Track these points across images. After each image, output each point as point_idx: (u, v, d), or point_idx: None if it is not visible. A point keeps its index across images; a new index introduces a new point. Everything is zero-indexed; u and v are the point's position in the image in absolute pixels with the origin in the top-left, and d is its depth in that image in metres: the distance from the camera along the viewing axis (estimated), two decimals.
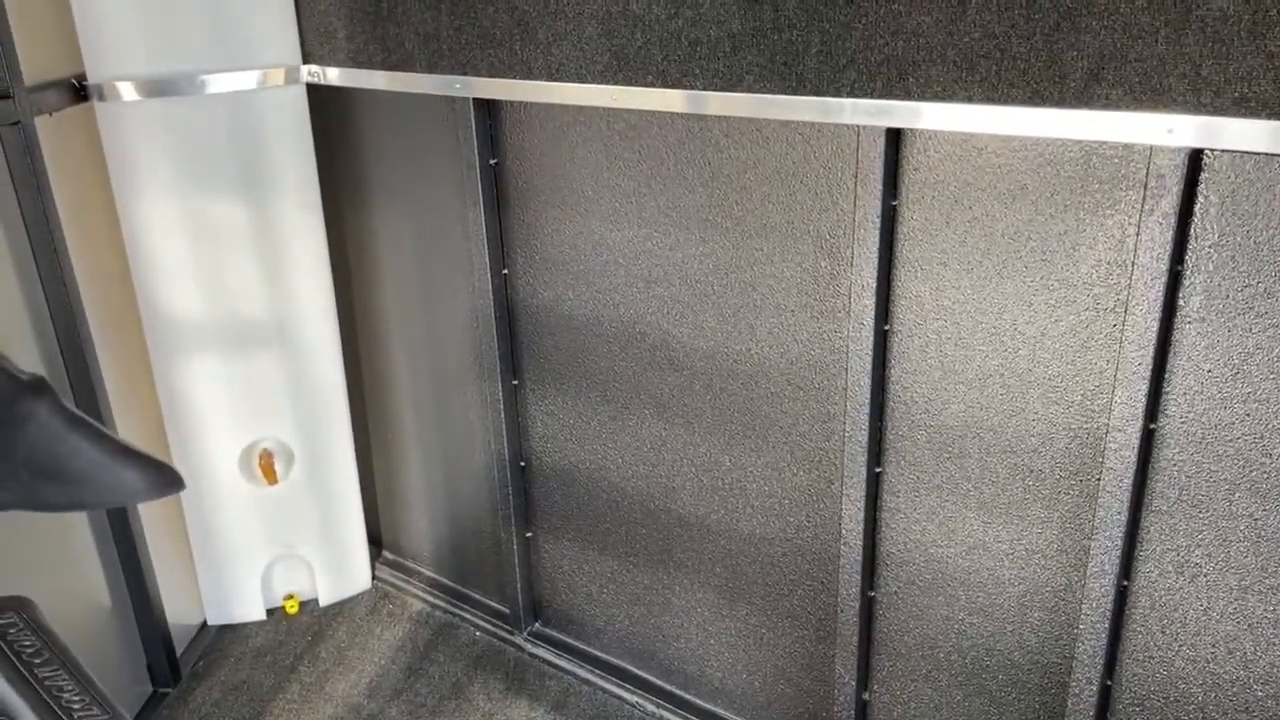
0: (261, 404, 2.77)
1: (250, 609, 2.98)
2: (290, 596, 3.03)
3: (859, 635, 2.14)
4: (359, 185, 2.71)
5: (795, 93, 1.81)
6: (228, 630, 2.96)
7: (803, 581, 2.23)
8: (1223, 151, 1.49)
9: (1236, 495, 1.64)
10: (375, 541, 3.19)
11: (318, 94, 2.60)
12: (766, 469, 2.19)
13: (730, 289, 2.10)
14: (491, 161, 2.39)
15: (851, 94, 1.75)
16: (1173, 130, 1.48)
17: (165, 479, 0.81)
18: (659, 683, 2.61)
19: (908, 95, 1.69)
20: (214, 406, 2.73)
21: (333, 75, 2.54)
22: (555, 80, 2.12)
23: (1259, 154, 1.46)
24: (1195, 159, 1.51)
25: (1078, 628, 1.84)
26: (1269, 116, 1.40)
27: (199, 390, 2.70)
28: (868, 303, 1.88)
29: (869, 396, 1.94)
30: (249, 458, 2.82)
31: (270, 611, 3.01)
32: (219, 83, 2.46)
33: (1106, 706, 1.88)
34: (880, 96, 1.72)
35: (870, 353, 1.91)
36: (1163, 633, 1.78)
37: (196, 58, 2.43)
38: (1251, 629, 1.68)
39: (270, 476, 2.83)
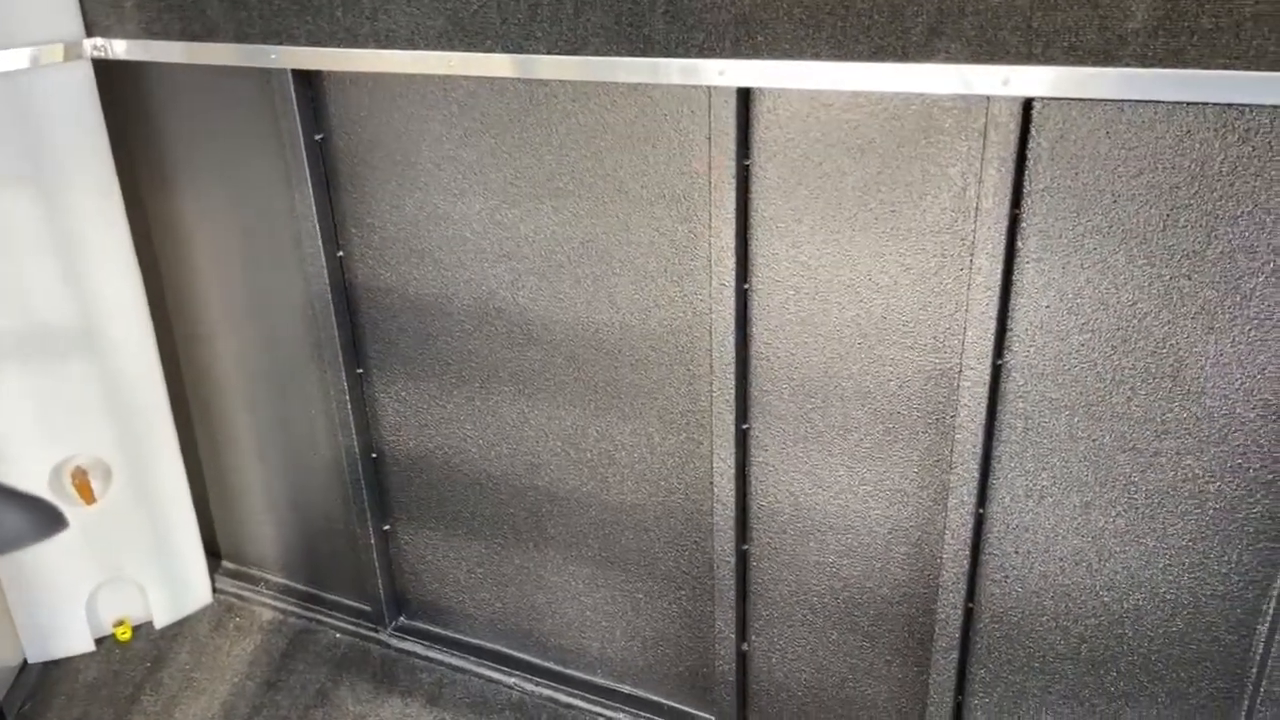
0: (69, 417, 2.52)
1: (76, 641, 2.72)
2: (121, 622, 2.79)
3: (736, 589, 2.18)
4: (165, 170, 2.48)
5: (643, 54, 1.78)
6: (53, 667, 2.69)
7: (677, 543, 2.25)
8: (1051, 99, 1.59)
9: (1076, 419, 1.77)
10: (213, 552, 2.98)
11: (108, 71, 2.35)
12: (635, 436, 2.18)
13: (587, 258, 2.07)
14: (317, 137, 2.24)
15: (701, 54, 1.74)
16: (1008, 81, 1.56)
17: (48, 519, 0.70)
18: (537, 661, 2.58)
19: (756, 54, 1.70)
20: (13, 424, 2.45)
21: (121, 49, 2.30)
22: (384, 48, 2.00)
23: (1083, 100, 1.57)
24: (1028, 107, 1.60)
25: (941, 557, 1.95)
26: (1095, 64, 1.49)
27: None
28: (728, 263, 1.90)
29: (733, 356, 1.97)
30: (59, 477, 2.55)
31: (100, 641, 2.77)
32: None
33: (970, 627, 2.01)
34: (729, 56, 1.72)
35: (732, 312, 1.93)
36: (1016, 553, 1.91)
37: None
38: (1095, 541, 1.83)
39: (86, 495, 2.58)
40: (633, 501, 2.26)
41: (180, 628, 2.84)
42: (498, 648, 2.63)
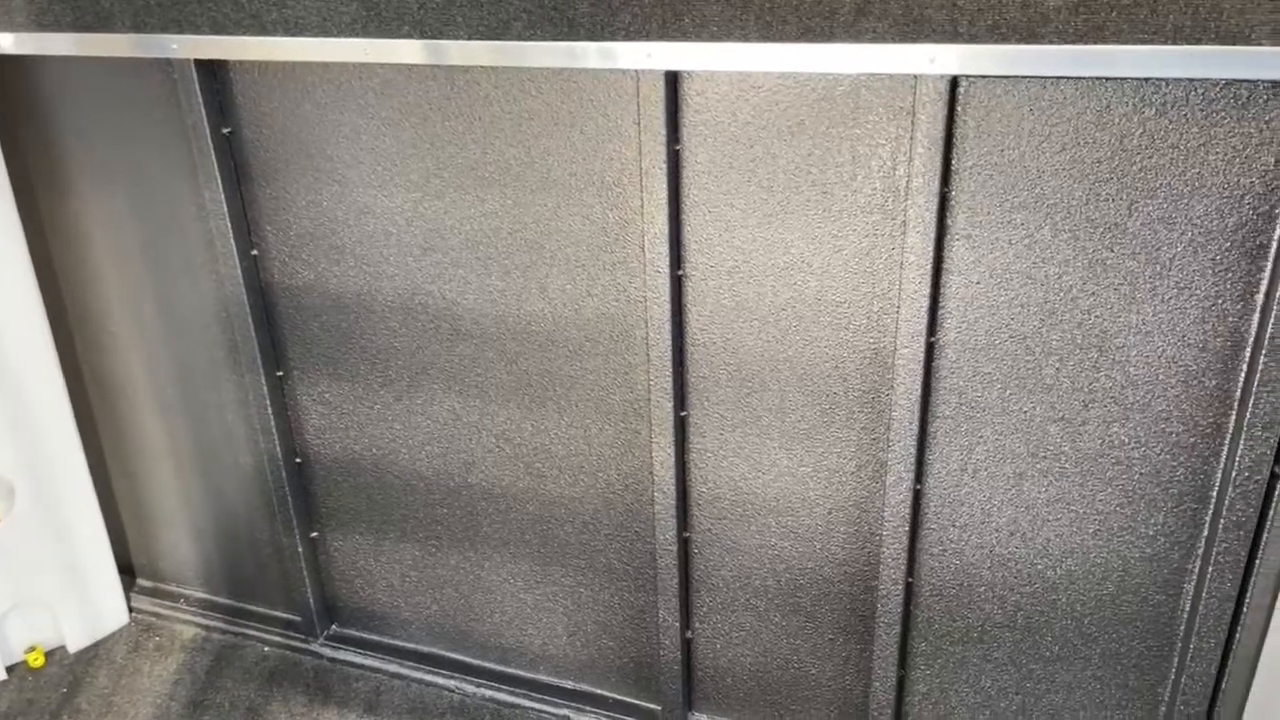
0: None
1: None
2: (33, 649, 2.65)
3: (678, 577, 2.17)
4: (61, 170, 2.34)
5: (568, 38, 1.74)
6: None
7: (617, 534, 2.23)
8: (977, 77, 1.60)
9: (1008, 393, 1.80)
10: (128, 570, 2.84)
11: None
12: (571, 428, 2.15)
13: (516, 248, 2.02)
14: (224, 130, 2.14)
15: (627, 37, 1.71)
16: (934, 59, 1.57)
17: None
18: (477, 662, 2.53)
19: (684, 36, 1.68)
20: None
21: (8, 43, 2.16)
22: (294, 35, 1.92)
23: (1007, 77, 1.59)
24: (954, 86, 1.62)
25: (880, 534, 1.97)
26: (1018, 41, 1.51)
27: None
28: (661, 249, 1.88)
29: (669, 343, 1.95)
30: None
31: (11, 669, 2.63)
32: None
33: (910, 601, 2.03)
34: (656, 39, 1.70)
35: (668, 300, 1.91)
36: (954, 526, 1.94)
37: None
38: (1028, 510, 1.87)
39: None
40: (571, 495, 2.22)
41: (96, 651, 2.70)
42: (436, 651, 2.57)
